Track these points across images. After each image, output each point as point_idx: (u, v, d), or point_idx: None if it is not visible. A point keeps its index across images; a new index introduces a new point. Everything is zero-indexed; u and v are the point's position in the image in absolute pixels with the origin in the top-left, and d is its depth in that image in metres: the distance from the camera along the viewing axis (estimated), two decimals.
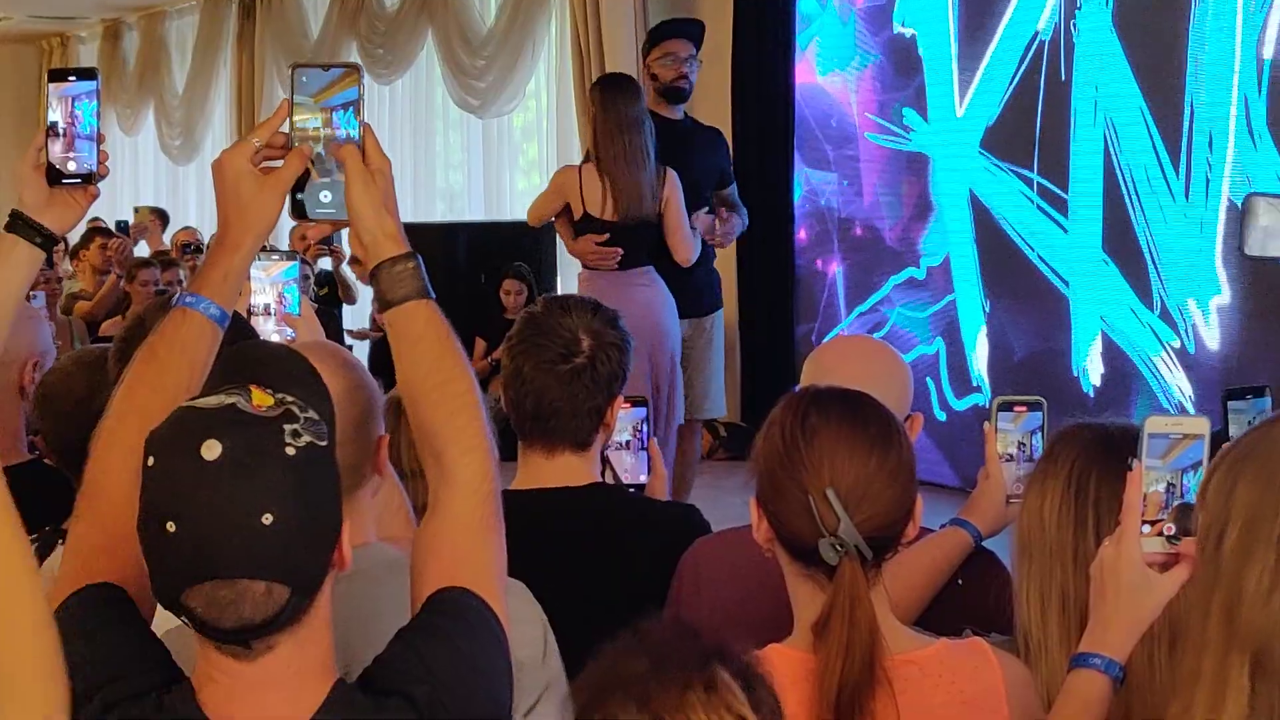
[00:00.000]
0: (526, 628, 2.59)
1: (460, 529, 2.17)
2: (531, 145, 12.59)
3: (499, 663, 2.08)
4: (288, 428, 1.87)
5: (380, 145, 2.29)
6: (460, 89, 12.30)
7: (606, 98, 7.07)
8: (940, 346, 8.84)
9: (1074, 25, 7.94)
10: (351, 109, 2.27)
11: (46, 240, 2.60)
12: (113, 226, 10.64)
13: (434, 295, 2.28)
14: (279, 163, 2.26)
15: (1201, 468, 2.15)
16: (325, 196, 2.27)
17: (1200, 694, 1.87)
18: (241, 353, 2.14)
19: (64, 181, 2.58)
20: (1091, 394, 7.94)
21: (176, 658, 2.02)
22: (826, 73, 9.62)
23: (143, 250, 11.63)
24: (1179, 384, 7.54)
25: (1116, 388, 7.81)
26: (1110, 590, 2.18)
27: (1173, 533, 2.14)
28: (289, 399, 1.92)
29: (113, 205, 15.63)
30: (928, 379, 8.79)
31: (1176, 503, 2.15)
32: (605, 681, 1.77)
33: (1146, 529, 2.15)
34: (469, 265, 10.39)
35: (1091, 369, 7.97)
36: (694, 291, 7.32)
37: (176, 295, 2.30)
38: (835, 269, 9.64)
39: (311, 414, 1.92)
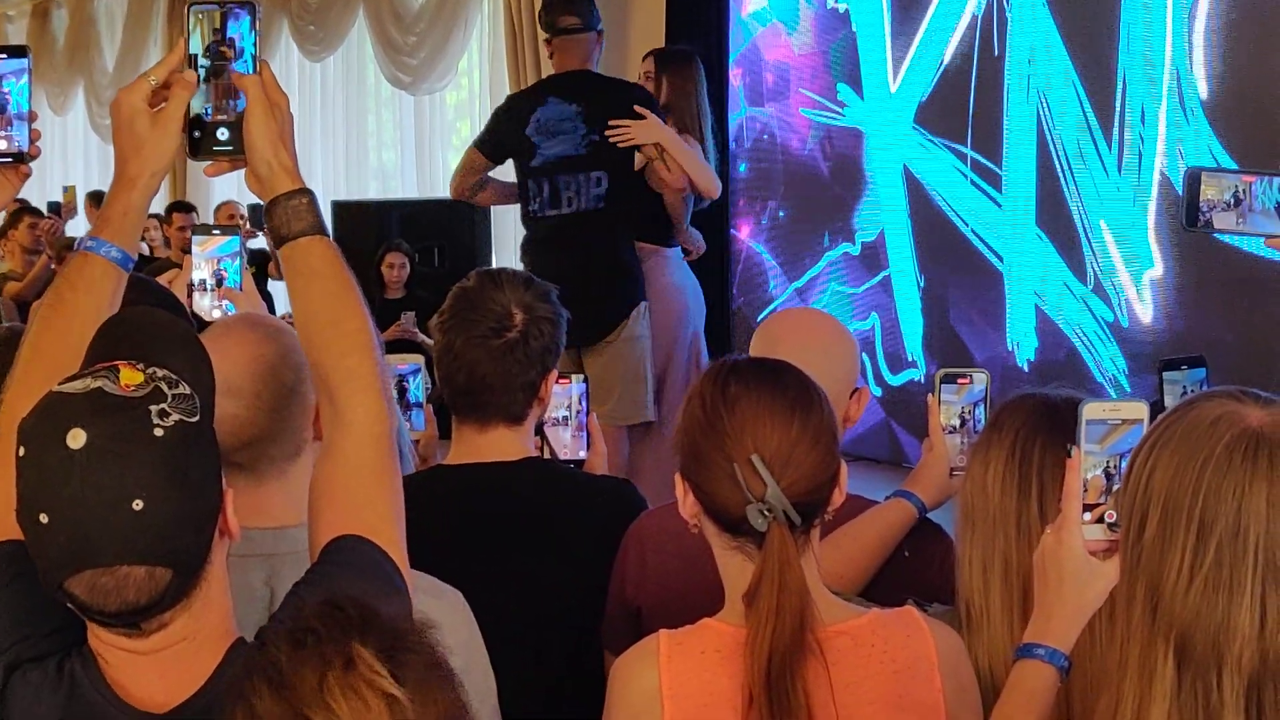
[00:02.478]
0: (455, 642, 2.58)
1: (353, 472, 2.14)
2: (464, 123, 12.52)
3: (399, 604, 2.04)
4: (154, 408, 1.85)
5: (278, 81, 2.28)
6: (392, 66, 12.23)
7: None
8: (875, 322, 8.86)
9: (1007, 0, 7.96)
10: (243, 48, 2.25)
11: None
12: (44, 207, 10.53)
13: (329, 233, 2.26)
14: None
15: None
16: (222, 134, 2.25)
17: (1128, 685, 1.87)
18: (117, 324, 2.11)
19: None
20: (1026, 368, 7.97)
21: None
22: (760, 26, 9.61)
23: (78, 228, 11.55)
24: (1113, 357, 7.58)
25: (1051, 362, 7.85)
26: (1053, 579, 2.17)
27: (1114, 519, 2.13)
28: (160, 374, 1.89)
29: (42, 185, 15.49)
30: (863, 355, 8.79)
31: (1116, 488, 2.15)
32: (246, 667, 1.69)
33: (1087, 516, 2.15)
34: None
35: (1026, 343, 8.00)
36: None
37: (77, 241, 2.27)
38: (769, 244, 9.64)
39: (183, 389, 1.89)
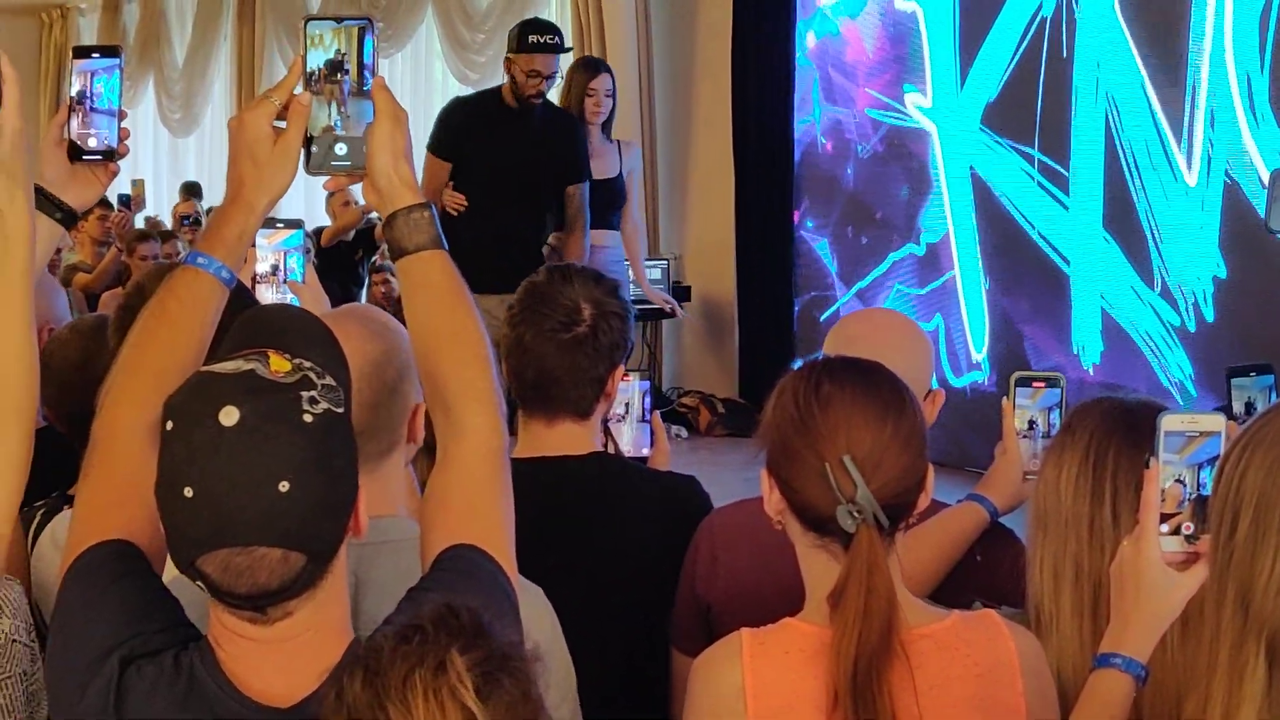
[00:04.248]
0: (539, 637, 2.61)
1: (471, 482, 2.17)
2: None
3: (512, 629, 2.07)
4: (305, 394, 1.87)
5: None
6: (460, 63, 12.29)
7: None
8: (939, 323, 8.85)
9: (1076, 2, 7.94)
10: (371, 63, 2.27)
11: (67, 216, 2.60)
12: (114, 199, 10.60)
13: (447, 246, 2.28)
14: (283, 122, 2.25)
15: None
16: (340, 149, 2.26)
17: (1217, 684, 1.88)
18: (259, 316, 2.13)
19: (84, 157, 2.59)
20: (1091, 372, 7.95)
21: (186, 608, 2.03)
22: (830, 29, 9.61)
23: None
24: (1179, 362, 7.55)
25: (1117, 365, 7.83)
26: (1130, 589, 2.18)
27: (1191, 531, 2.14)
28: (306, 365, 1.91)
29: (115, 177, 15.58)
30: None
31: (1193, 496, 2.16)
32: (352, 654, 1.72)
33: (1165, 527, 2.16)
34: None
35: (1091, 347, 7.98)
36: None
37: (185, 254, 2.29)
38: (834, 244, 9.64)
39: (329, 380, 1.91)
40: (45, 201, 2.58)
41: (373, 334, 2.53)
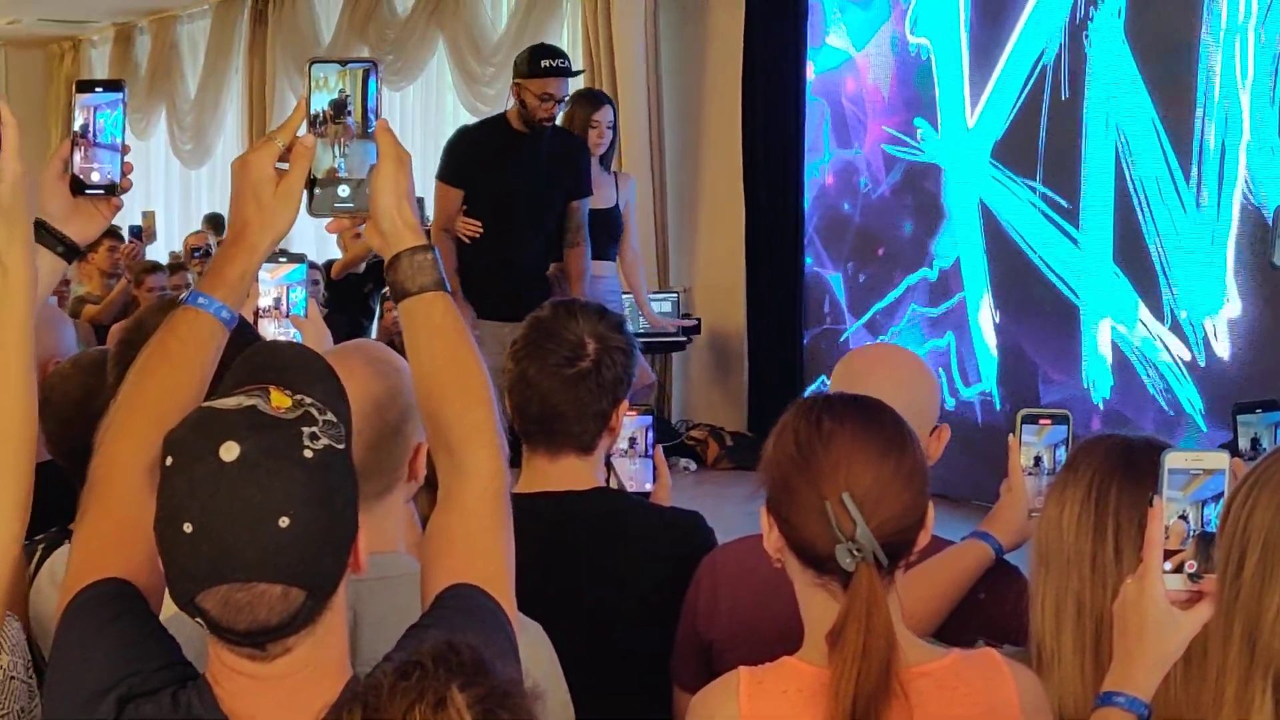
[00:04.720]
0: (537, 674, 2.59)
1: (473, 523, 2.17)
2: None
3: (512, 669, 2.06)
4: (306, 430, 1.87)
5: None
6: (471, 95, 12.31)
7: None
8: (951, 339, 8.84)
9: (1086, 36, 7.94)
10: (374, 105, 2.27)
11: (69, 250, 2.59)
12: (125, 230, 10.61)
13: (449, 288, 2.28)
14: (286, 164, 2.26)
15: (1222, 500, 2.14)
16: (343, 191, 2.26)
17: None
18: (261, 353, 2.13)
19: (87, 191, 2.59)
20: (1101, 406, 7.93)
21: (184, 647, 2.02)
22: (840, 63, 9.62)
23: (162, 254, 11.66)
24: (1189, 396, 7.53)
25: (1127, 400, 7.81)
26: (1134, 628, 2.17)
27: (1194, 569, 2.13)
28: (308, 401, 1.91)
29: (124, 209, 15.62)
30: (939, 369, 8.81)
31: (1197, 533, 2.14)
32: (350, 690, 1.71)
33: (1168, 565, 2.14)
34: None
35: (1101, 381, 7.96)
36: None
37: (187, 294, 2.29)
38: (844, 277, 9.63)
39: (330, 417, 1.91)
40: (47, 235, 2.58)
41: (377, 373, 2.52)
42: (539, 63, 7.61)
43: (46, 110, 18.97)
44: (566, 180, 7.78)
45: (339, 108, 2.26)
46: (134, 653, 1.99)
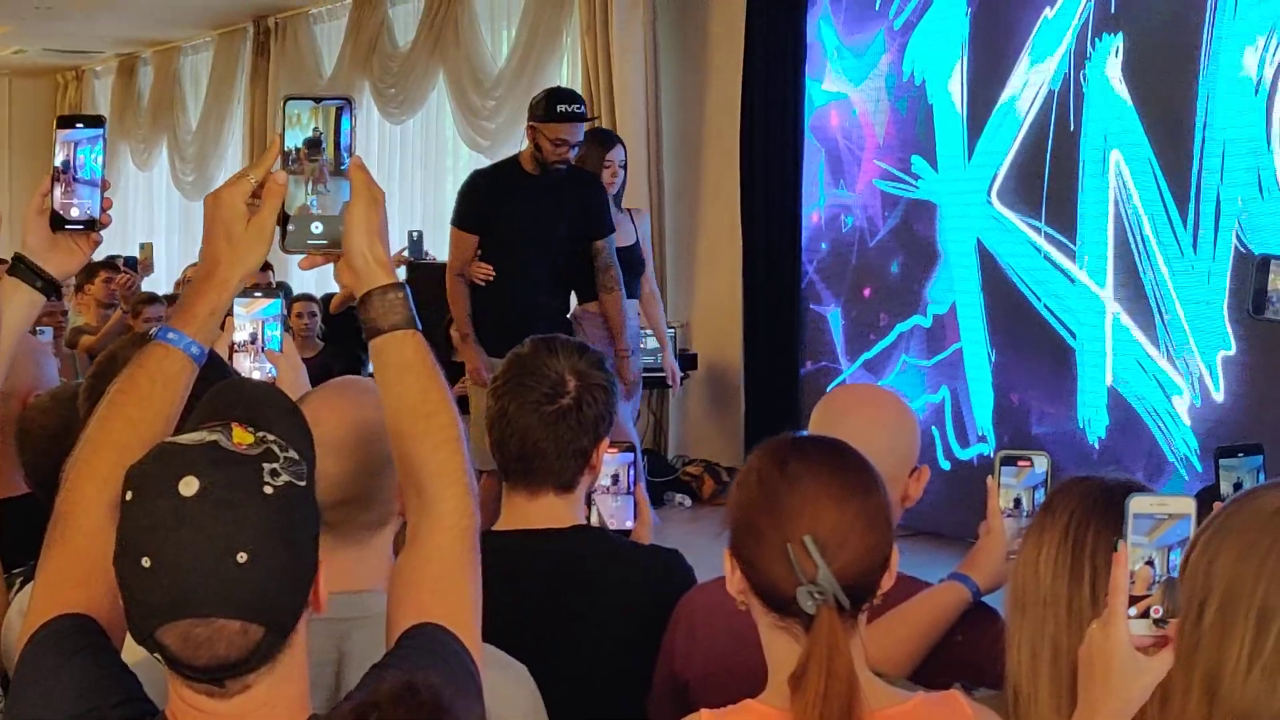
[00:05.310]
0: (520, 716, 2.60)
1: (439, 563, 2.16)
2: None
3: (475, 708, 2.05)
4: (267, 466, 1.87)
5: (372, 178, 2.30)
6: (470, 129, 12.33)
7: None
8: (945, 395, 8.83)
9: (1084, 76, 7.95)
10: (347, 143, 2.27)
11: (47, 285, 2.62)
12: (123, 262, 10.62)
13: (420, 327, 2.28)
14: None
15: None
16: (316, 228, 2.26)
17: None
18: (226, 390, 2.13)
19: (67, 227, 2.60)
20: (1097, 446, 7.92)
21: (148, 689, 2.01)
22: (837, 101, 9.62)
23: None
24: (1184, 437, 7.52)
25: (1123, 440, 7.80)
26: (1099, 673, 2.14)
27: (1160, 615, 2.10)
28: (270, 438, 1.91)
29: (124, 239, 15.67)
30: (933, 428, 8.78)
31: (1163, 578, 2.13)
32: None
33: (1134, 610, 2.12)
34: None
35: (1097, 421, 7.95)
36: None
37: (156, 329, 2.29)
38: (842, 314, 9.63)
39: (292, 454, 1.91)
40: (26, 270, 2.60)
41: (374, 403, 2.53)
42: (555, 107, 7.62)
43: (51, 139, 19.00)
44: (581, 221, 7.78)
45: (313, 145, 2.26)
46: (93, 688, 1.98)
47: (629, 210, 8.57)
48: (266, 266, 10.34)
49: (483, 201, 7.77)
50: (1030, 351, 8.31)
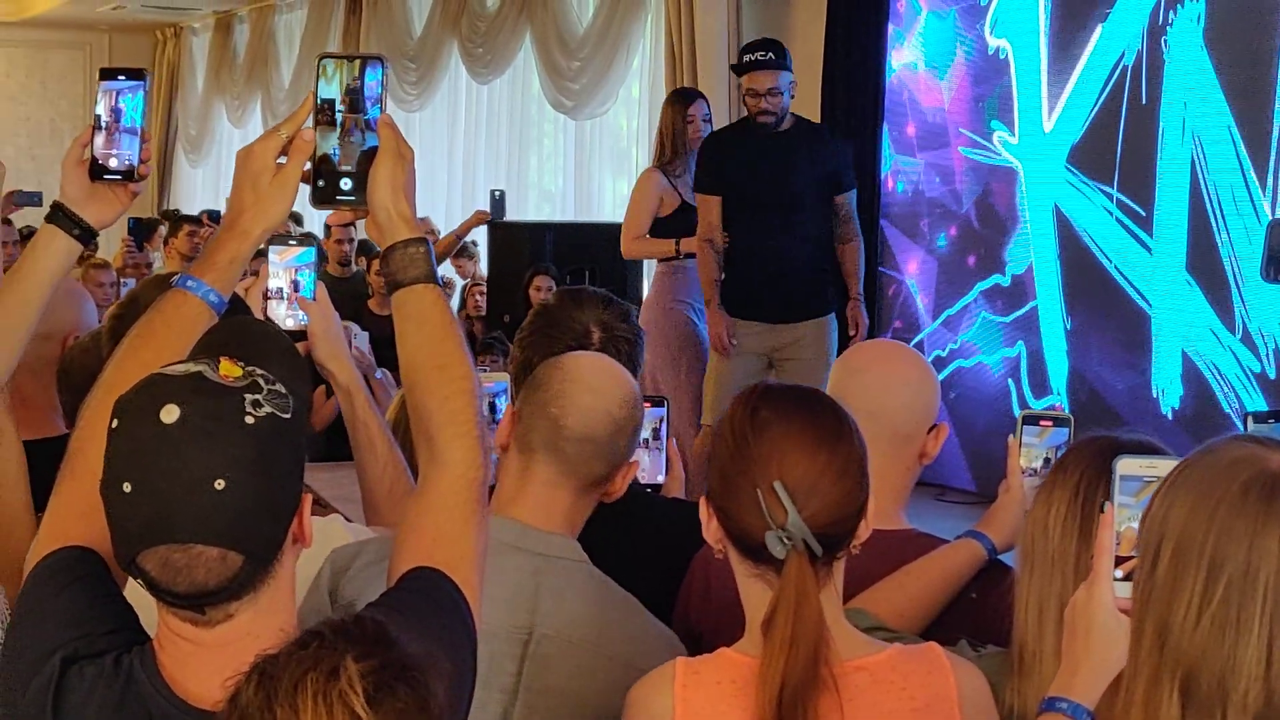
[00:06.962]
0: None
1: (444, 510, 2.19)
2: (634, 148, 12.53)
3: (464, 653, 2.08)
4: (249, 398, 1.90)
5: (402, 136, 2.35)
6: (555, 90, 12.34)
7: None
8: (1021, 350, 8.77)
9: (1164, 42, 7.86)
10: (377, 99, 2.31)
11: (85, 233, 2.68)
12: (207, 217, 10.74)
13: (440, 282, 2.33)
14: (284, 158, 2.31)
15: None
16: (345, 184, 2.31)
17: None
18: (225, 326, 2.20)
19: (105, 177, 2.65)
20: (1170, 415, 7.85)
21: (149, 629, 2.05)
22: (922, 68, 9.57)
23: None
24: (1258, 408, 7.43)
25: (1196, 409, 7.73)
26: (1081, 633, 2.15)
27: None
28: (259, 372, 1.95)
29: (217, 195, 15.84)
30: (1008, 380, 8.74)
31: None
32: (262, 657, 1.73)
33: (1119, 572, 2.12)
34: (556, 265, 10.36)
35: (1171, 390, 7.88)
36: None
37: (178, 275, 2.33)
38: (919, 276, 9.59)
39: (279, 388, 1.94)
40: (64, 219, 2.66)
41: (628, 379, 2.79)
42: (741, 57, 7.61)
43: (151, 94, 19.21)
44: (818, 172, 7.68)
45: (344, 101, 2.30)
46: (84, 616, 2.03)
47: None
48: (296, 218, 10.41)
49: (720, 163, 7.70)
50: (1106, 319, 8.25)
